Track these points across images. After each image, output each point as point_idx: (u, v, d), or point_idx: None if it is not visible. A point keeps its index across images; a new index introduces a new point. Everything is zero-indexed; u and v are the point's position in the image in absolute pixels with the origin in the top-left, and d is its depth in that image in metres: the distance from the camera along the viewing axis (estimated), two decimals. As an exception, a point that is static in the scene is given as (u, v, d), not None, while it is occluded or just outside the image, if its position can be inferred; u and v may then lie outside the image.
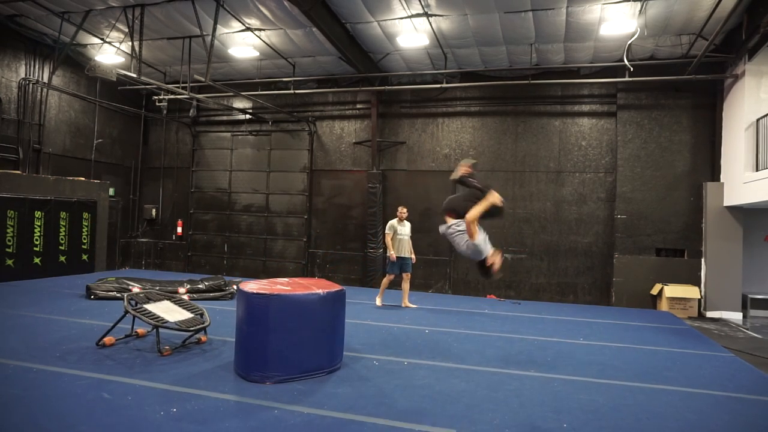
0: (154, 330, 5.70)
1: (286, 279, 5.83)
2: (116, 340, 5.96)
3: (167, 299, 6.39)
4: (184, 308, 6.22)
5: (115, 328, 5.96)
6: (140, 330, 6.28)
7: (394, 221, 9.36)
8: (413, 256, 9.54)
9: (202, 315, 6.19)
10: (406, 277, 9.41)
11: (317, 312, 5.01)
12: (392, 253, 9.13)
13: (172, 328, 5.68)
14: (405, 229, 9.40)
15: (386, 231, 9.32)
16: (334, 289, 5.21)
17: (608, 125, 11.64)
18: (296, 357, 4.88)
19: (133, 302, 6.07)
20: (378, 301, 9.51)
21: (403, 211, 9.42)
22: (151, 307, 5.96)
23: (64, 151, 12.92)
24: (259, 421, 3.89)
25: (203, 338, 6.16)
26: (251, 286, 5.15)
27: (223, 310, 8.10)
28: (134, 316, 5.72)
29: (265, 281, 5.59)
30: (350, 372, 5.24)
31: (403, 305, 9.36)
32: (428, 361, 5.75)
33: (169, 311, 5.98)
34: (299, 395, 4.48)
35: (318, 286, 5.24)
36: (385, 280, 9.47)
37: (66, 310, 7.79)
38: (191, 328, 5.76)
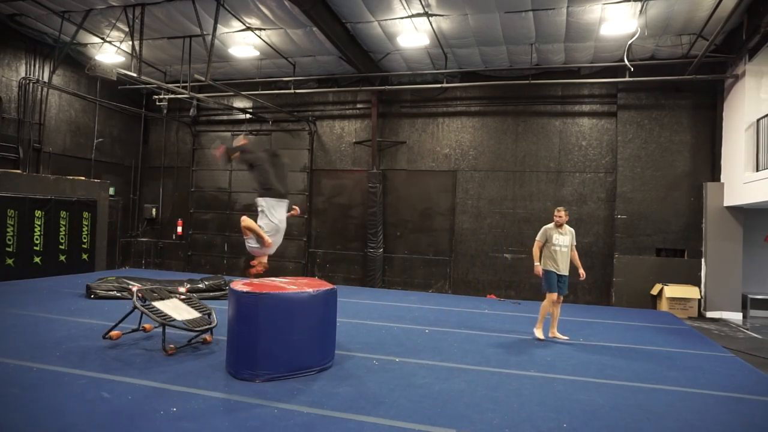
0: (161, 326, 5.68)
1: (278, 278, 5.81)
2: (123, 333, 5.94)
3: (176, 297, 6.38)
4: (192, 307, 6.20)
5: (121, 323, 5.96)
6: (147, 325, 6.25)
7: (549, 226, 7.12)
8: (581, 271, 7.25)
9: (209, 315, 6.17)
10: (559, 300, 7.23)
11: (307, 311, 5.00)
12: (537, 265, 7.08)
13: (179, 327, 5.66)
14: (565, 238, 7.06)
15: (537, 238, 7.15)
16: (324, 288, 5.19)
17: (608, 125, 11.64)
18: (286, 355, 4.88)
19: (141, 299, 6.05)
20: (538, 333, 7.15)
21: (560, 214, 7.06)
22: (159, 304, 5.94)
23: (64, 151, 12.92)
24: (259, 420, 3.89)
25: (209, 338, 6.14)
26: (242, 285, 5.13)
27: (222, 310, 8.05)
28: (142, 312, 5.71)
29: (256, 280, 5.58)
30: (348, 371, 5.24)
31: (550, 335, 7.22)
32: (428, 360, 5.75)
33: (177, 309, 5.95)
34: (297, 393, 4.48)
35: (309, 285, 5.23)
36: (546, 303, 7.10)
37: (66, 310, 7.80)
38: (197, 329, 5.74)
